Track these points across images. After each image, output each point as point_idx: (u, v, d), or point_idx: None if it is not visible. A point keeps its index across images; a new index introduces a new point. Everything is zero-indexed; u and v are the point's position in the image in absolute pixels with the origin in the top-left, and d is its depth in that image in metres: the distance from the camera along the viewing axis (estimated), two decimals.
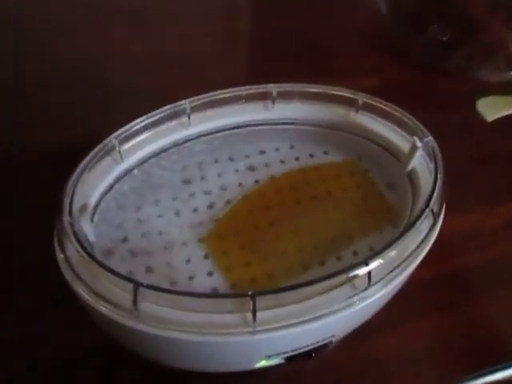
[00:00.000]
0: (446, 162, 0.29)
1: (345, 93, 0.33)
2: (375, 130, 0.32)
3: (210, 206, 0.31)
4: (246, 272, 0.28)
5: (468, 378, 0.31)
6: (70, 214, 0.26)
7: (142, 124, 0.30)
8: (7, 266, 0.34)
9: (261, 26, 0.61)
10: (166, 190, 0.31)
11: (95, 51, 0.53)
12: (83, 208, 0.26)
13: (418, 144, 0.30)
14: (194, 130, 0.32)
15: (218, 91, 0.32)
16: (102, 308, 0.23)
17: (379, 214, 0.31)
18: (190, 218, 0.30)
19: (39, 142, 0.43)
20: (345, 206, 0.31)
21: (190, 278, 0.27)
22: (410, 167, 0.30)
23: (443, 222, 0.28)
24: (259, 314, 0.22)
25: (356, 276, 0.24)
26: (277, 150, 0.34)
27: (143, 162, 0.31)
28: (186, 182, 0.32)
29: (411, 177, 0.31)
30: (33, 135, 0.43)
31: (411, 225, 0.26)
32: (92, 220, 0.28)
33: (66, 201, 0.26)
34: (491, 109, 0.48)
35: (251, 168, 0.33)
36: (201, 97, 0.32)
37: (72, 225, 0.25)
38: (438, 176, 0.28)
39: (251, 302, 0.22)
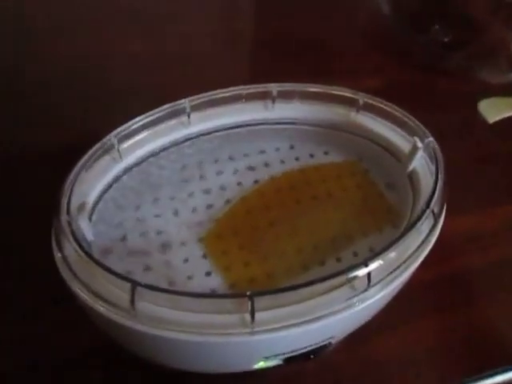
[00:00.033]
0: (447, 163, 0.29)
1: (345, 93, 0.33)
2: (376, 130, 0.32)
3: (210, 206, 0.31)
4: (245, 272, 0.28)
5: (468, 380, 0.30)
6: (68, 212, 0.25)
7: (142, 123, 0.30)
8: (7, 266, 0.34)
9: (262, 26, 0.61)
10: (165, 190, 0.31)
11: (95, 51, 0.53)
12: (81, 207, 0.26)
13: (419, 144, 0.29)
14: (194, 129, 0.32)
15: (218, 90, 0.32)
16: (100, 308, 0.23)
17: (379, 214, 0.31)
18: (189, 218, 0.30)
19: (39, 141, 0.43)
20: (345, 206, 0.31)
21: (189, 277, 0.27)
22: (410, 168, 0.30)
23: (444, 223, 0.27)
24: (258, 315, 0.22)
25: (355, 277, 0.24)
26: (277, 149, 0.34)
27: (142, 160, 0.31)
28: (186, 181, 0.32)
29: (412, 177, 0.30)
30: (33, 135, 0.43)
31: (411, 226, 0.26)
32: (90, 219, 0.28)
33: (64, 199, 0.26)
34: (493, 110, 0.48)
35: (251, 168, 0.33)
36: (200, 96, 0.32)
37: (70, 223, 0.25)
38: (439, 177, 0.28)
39: (249, 303, 0.22)
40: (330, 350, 0.27)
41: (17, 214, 0.37)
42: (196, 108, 0.32)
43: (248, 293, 0.22)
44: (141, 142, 0.31)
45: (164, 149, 0.31)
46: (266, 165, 0.33)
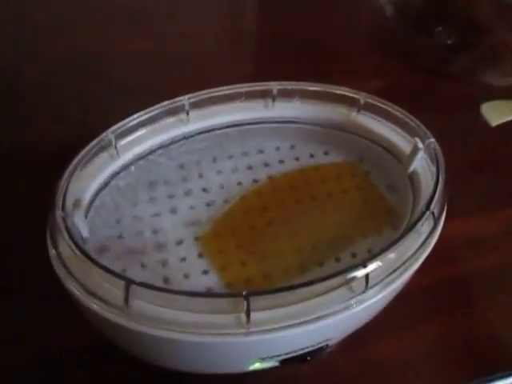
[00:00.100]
0: (448, 165, 0.29)
1: (346, 92, 0.32)
2: (377, 130, 0.32)
3: (208, 205, 0.31)
4: (241, 272, 0.27)
5: None
6: (63, 208, 0.25)
7: (140, 119, 0.30)
8: (7, 266, 0.34)
9: (262, 26, 0.61)
10: (163, 188, 0.31)
11: (95, 51, 0.53)
12: (76, 203, 0.26)
13: (420, 145, 0.29)
14: (193, 126, 0.32)
15: (218, 88, 0.32)
16: (94, 305, 0.22)
17: (379, 215, 0.30)
18: (187, 216, 0.30)
19: (39, 141, 0.43)
20: (344, 207, 0.31)
21: (185, 276, 0.27)
22: (411, 169, 0.30)
23: (444, 225, 0.27)
24: (253, 315, 0.22)
25: (353, 278, 0.23)
26: (277, 149, 0.34)
27: (140, 158, 0.31)
28: (184, 179, 0.32)
29: (412, 179, 0.30)
30: (33, 135, 0.43)
31: (411, 227, 0.25)
32: (86, 216, 0.28)
33: (59, 195, 0.26)
34: (496, 113, 0.48)
35: (250, 167, 0.33)
36: (199, 93, 0.31)
37: (65, 220, 0.24)
38: (440, 178, 0.28)
39: (245, 303, 0.22)
40: (328, 352, 0.27)
41: (17, 214, 0.37)
42: (195, 106, 0.31)
43: (244, 292, 0.22)
44: (139, 139, 0.30)
45: (162, 146, 0.31)
46: (266, 164, 0.33)
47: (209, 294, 0.26)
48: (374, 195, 0.31)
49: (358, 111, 0.32)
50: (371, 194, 0.32)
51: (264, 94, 0.33)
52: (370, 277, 0.23)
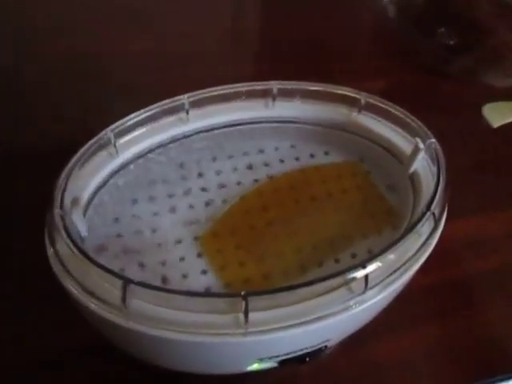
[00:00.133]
0: (449, 165, 0.28)
1: (347, 92, 0.32)
2: (377, 130, 0.32)
3: (207, 204, 0.30)
4: (240, 272, 0.27)
5: None
6: (62, 207, 0.25)
7: (139, 118, 0.30)
8: (7, 266, 0.34)
9: (262, 27, 0.61)
10: (162, 187, 0.31)
11: (95, 51, 0.53)
12: (75, 201, 0.26)
13: (421, 146, 0.29)
14: (193, 125, 0.32)
15: (218, 87, 0.32)
16: (92, 305, 0.22)
17: (379, 216, 0.30)
18: (186, 216, 0.30)
19: (39, 141, 0.43)
20: (344, 207, 0.31)
21: (184, 276, 0.27)
22: (412, 169, 0.30)
23: (444, 226, 0.27)
24: (252, 315, 0.22)
25: (353, 279, 0.23)
26: (277, 149, 0.34)
27: (139, 156, 0.31)
28: (183, 178, 0.32)
29: (413, 179, 0.30)
30: (33, 135, 0.43)
31: (411, 228, 0.25)
32: (85, 215, 0.27)
33: (58, 193, 0.26)
34: (497, 114, 0.48)
35: (250, 167, 0.33)
36: (199, 92, 0.31)
37: (63, 218, 0.24)
38: (441, 179, 0.28)
39: (243, 303, 0.22)
40: (328, 353, 0.27)
41: (17, 214, 0.37)
42: (195, 105, 0.31)
43: (242, 292, 0.22)
44: (138, 137, 0.30)
45: (162, 145, 0.31)
46: (266, 164, 0.33)
47: (207, 293, 0.26)
48: (374, 195, 0.31)
49: (359, 111, 0.32)
50: (371, 194, 0.31)
51: (264, 94, 0.33)
52: (369, 277, 0.23)
